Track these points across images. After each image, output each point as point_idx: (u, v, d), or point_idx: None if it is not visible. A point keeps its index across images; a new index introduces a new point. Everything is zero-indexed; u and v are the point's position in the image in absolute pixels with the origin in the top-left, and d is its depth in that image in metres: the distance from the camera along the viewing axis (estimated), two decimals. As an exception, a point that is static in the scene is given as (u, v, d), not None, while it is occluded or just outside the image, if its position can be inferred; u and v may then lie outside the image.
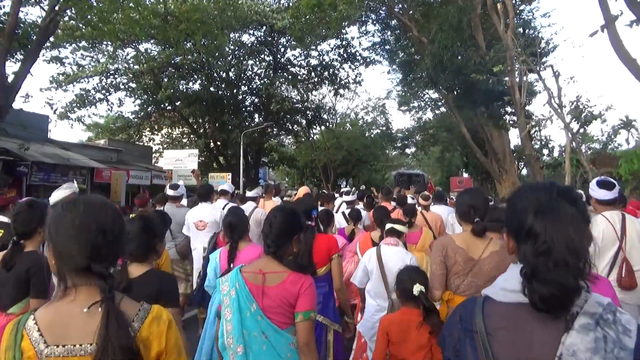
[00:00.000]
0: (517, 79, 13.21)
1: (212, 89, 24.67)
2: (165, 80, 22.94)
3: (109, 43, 19.79)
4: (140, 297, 1.34)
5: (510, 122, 15.71)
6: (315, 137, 36.94)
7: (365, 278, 3.70)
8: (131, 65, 20.75)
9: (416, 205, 6.29)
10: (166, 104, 23.03)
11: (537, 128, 13.43)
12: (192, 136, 24.92)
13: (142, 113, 24.34)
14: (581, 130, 10.82)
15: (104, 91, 21.86)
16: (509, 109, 15.48)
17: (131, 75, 21.39)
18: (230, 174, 21.05)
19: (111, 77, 21.62)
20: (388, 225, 3.82)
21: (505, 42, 12.64)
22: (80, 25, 17.30)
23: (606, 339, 1.04)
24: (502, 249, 2.63)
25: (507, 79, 13.00)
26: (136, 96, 23.00)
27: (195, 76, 24.61)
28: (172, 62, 22.95)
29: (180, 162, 18.00)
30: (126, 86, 21.97)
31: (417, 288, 2.64)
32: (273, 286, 2.10)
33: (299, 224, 2.34)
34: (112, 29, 17.06)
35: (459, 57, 13.58)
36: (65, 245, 1.21)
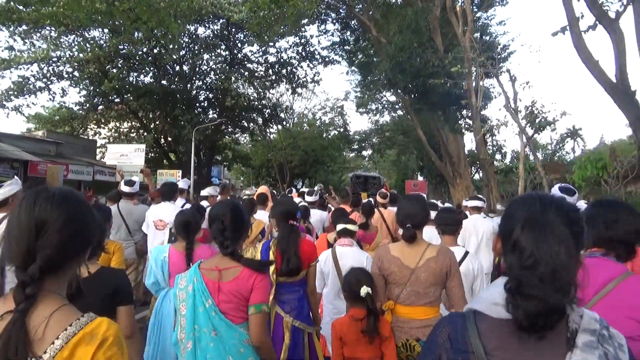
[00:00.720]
0: (474, 83, 13.24)
1: (164, 82, 23.61)
2: (114, 70, 21.74)
3: (52, 28, 18.51)
4: (96, 298, 1.31)
5: (466, 125, 15.78)
6: (271, 137, 36.39)
7: (321, 282, 3.63)
8: (75, 52, 19.38)
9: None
10: (113, 96, 21.74)
11: (491, 132, 13.47)
12: (140, 131, 23.65)
13: (88, 105, 22.87)
14: (535, 136, 10.83)
15: (45, 79, 20.32)
16: (465, 113, 15.53)
17: (75, 64, 19.97)
18: (181, 171, 20.11)
19: (53, 64, 20.12)
20: (340, 226, 3.82)
21: (464, 45, 12.60)
22: (19, 7, 16.06)
23: (607, 356, 1.03)
24: (440, 254, 2.63)
25: (464, 82, 12.97)
26: (80, 86, 21.55)
27: (147, 68, 23.49)
28: (121, 52, 21.79)
29: (125, 157, 17.01)
30: (70, 75, 20.50)
31: (364, 290, 2.62)
32: (228, 281, 2.12)
33: (247, 219, 2.39)
34: (53, 13, 15.91)
35: (418, 59, 13.45)
36: (8, 240, 1.11)
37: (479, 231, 5.51)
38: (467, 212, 6.57)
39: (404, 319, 2.64)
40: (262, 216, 5.65)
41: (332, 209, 7.65)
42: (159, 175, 20.02)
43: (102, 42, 19.68)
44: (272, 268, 3.05)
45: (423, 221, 2.76)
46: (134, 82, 22.12)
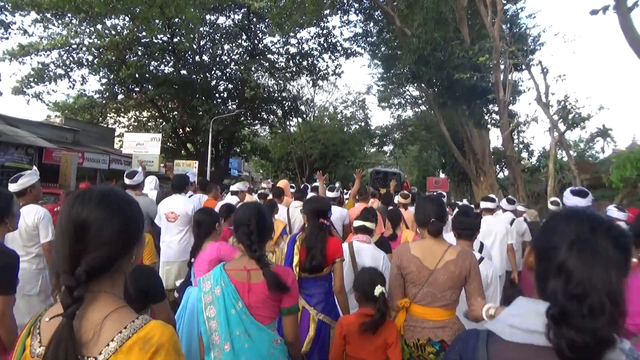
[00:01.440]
0: (502, 76, 12.51)
1: (183, 72, 23.39)
2: (133, 58, 21.61)
3: (72, 16, 18.42)
4: (127, 296, 1.19)
5: (492, 121, 15.01)
6: (291, 129, 36.00)
7: None
8: (94, 40, 19.27)
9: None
10: (132, 85, 21.60)
11: (519, 128, 12.74)
12: (159, 120, 23.50)
13: (107, 93, 22.82)
14: (567, 132, 10.09)
15: (64, 67, 20.32)
16: (491, 108, 14.78)
17: (94, 51, 19.89)
18: (197, 162, 19.89)
19: (73, 52, 20.08)
20: (357, 222, 3.77)
21: (492, 35, 11.90)
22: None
23: None
24: (459, 256, 2.59)
25: (491, 75, 12.27)
26: (100, 74, 21.47)
27: (168, 58, 23.29)
28: (141, 40, 21.64)
29: (141, 146, 16.85)
30: (89, 62, 20.44)
31: (378, 289, 2.62)
32: (259, 282, 2.14)
33: (271, 222, 2.44)
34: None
35: (442, 52, 12.77)
36: (56, 245, 1.13)
37: (491, 233, 5.40)
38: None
39: (418, 318, 2.61)
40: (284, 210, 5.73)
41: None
42: (176, 165, 19.87)
43: (120, 29, 19.47)
44: (295, 261, 3.16)
45: (444, 218, 2.75)
46: (153, 71, 21.90)
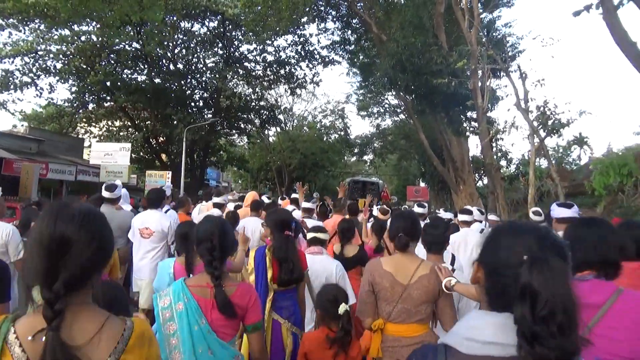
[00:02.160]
0: (480, 83, 12.30)
1: (158, 80, 22.76)
2: (103, 64, 20.89)
3: (40, 21, 17.70)
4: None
5: (470, 128, 14.78)
6: (270, 139, 35.50)
7: None
8: (62, 46, 18.53)
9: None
10: (102, 93, 20.87)
11: (498, 136, 12.52)
12: (131, 130, 22.74)
13: (77, 102, 22.01)
14: (547, 139, 9.86)
15: (31, 74, 19.49)
16: (470, 115, 14.56)
17: (62, 57, 19.13)
18: (171, 172, 19.20)
19: (40, 59, 19.29)
20: (310, 235, 3.77)
21: (470, 41, 11.69)
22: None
23: None
24: (432, 271, 2.58)
25: (469, 81, 12.03)
26: (69, 81, 20.67)
27: (141, 65, 22.64)
28: (112, 47, 21.00)
29: (110, 156, 16.15)
30: (57, 70, 19.65)
31: (342, 307, 2.63)
32: None
33: (233, 236, 2.41)
34: (35, 2, 15.07)
35: (420, 57, 12.50)
36: (30, 260, 1.15)
37: (467, 246, 5.41)
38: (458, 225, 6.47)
39: (394, 337, 2.55)
40: (256, 223, 5.56)
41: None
42: (148, 176, 19.17)
43: (89, 36, 18.79)
44: (269, 275, 3.11)
45: (415, 233, 2.72)
46: (125, 79, 21.22)
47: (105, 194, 5.39)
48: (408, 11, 13.20)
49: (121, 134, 22.66)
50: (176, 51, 23.20)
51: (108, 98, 21.12)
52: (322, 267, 3.51)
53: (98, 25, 17.65)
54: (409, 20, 13.03)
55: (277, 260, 3.12)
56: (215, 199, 6.62)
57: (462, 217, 6.20)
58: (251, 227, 5.59)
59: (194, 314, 2.06)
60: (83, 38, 19.05)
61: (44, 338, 1.07)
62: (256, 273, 3.26)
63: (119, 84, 20.85)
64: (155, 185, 17.70)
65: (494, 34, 16.02)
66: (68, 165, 16.31)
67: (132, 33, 20.99)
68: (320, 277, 3.42)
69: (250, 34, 18.11)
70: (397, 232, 2.67)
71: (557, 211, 4.03)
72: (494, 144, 14.44)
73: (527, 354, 0.95)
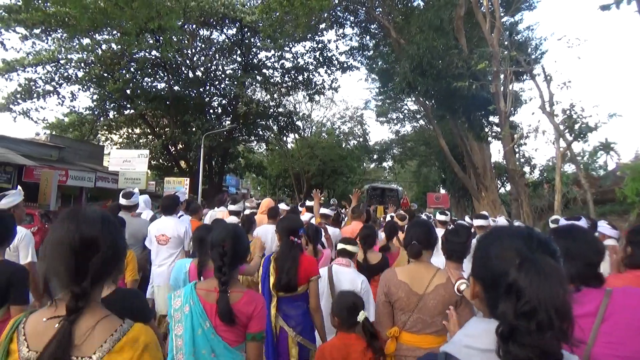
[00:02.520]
0: (502, 87, 11.93)
1: (177, 87, 22.92)
2: (125, 74, 21.17)
3: (62, 31, 18.00)
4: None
5: (492, 133, 14.34)
6: (289, 146, 35.43)
7: None
8: (82, 55, 18.79)
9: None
10: (123, 101, 21.08)
11: (522, 141, 12.07)
12: (150, 137, 22.92)
13: (98, 110, 22.29)
14: (573, 144, 9.42)
15: (53, 83, 19.82)
16: (491, 119, 14.14)
17: (82, 65, 19.39)
18: (189, 179, 19.21)
19: (61, 67, 19.59)
20: (339, 246, 3.73)
21: (491, 43, 11.35)
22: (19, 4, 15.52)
23: None
24: (449, 281, 2.52)
25: (491, 85, 11.67)
26: (91, 89, 20.95)
27: (161, 73, 22.84)
28: (133, 55, 21.25)
29: (128, 163, 16.18)
30: (78, 78, 19.94)
31: (362, 315, 2.62)
32: None
33: (247, 244, 2.38)
34: (57, 11, 15.29)
35: (440, 61, 12.19)
36: (51, 261, 1.24)
37: None
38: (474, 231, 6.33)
39: (409, 346, 2.50)
40: (271, 230, 5.32)
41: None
42: (166, 183, 19.20)
43: (108, 45, 19.00)
44: (272, 281, 3.16)
45: (429, 242, 2.67)
46: (145, 87, 21.40)
47: (122, 201, 5.34)
48: (428, 14, 12.89)
49: (140, 141, 22.86)
50: (195, 59, 23.34)
51: (128, 105, 21.31)
52: (348, 279, 3.47)
53: (118, 34, 17.85)
54: (428, 23, 12.71)
55: (277, 265, 3.17)
56: (232, 207, 6.46)
57: (477, 222, 6.22)
58: (269, 234, 5.41)
59: (198, 317, 2.08)
60: (104, 47, 19.32)
61: (57, 325, 1.18)
62: (262, 279, 3.33)
63: (138, 91, 21.04)
64: (174, 191, 17.69)
65: (516, 37, 15.59)
66: (87, 172, 16.44)
67: (150, 41, 21.27)
68: (345, 289, 3.30)
69: (268, 40, 17.98)
70: (411, 240, 2.65)
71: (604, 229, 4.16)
72: (517, 149, 13.96)
73: (502, 354, 0.96)
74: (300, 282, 3.16)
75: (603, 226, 4.60)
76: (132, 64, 21.87)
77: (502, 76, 11.70)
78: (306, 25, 16.08)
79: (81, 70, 19.38)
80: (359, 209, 6.59)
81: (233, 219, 5.91)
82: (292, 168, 34.24)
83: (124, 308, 1.95)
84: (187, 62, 23.00)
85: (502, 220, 7.73)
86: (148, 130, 22.56)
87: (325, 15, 22.18)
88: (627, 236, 2.56)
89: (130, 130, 24.36)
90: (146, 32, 18.10)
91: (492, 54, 11.13)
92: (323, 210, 6.28)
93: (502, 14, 17.27)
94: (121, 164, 16.11)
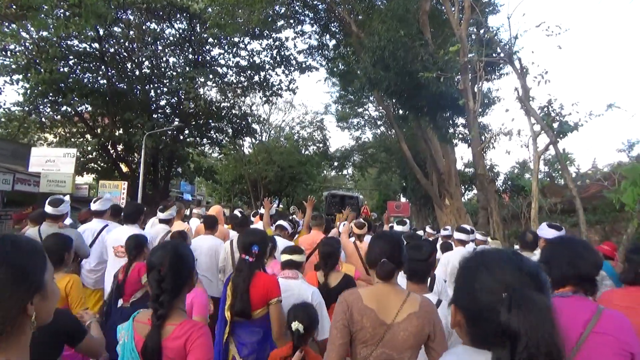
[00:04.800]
0: (471, 84, 10.88)
1: (122, 85, 20.90)
2: (65, 70, 19.10)
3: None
4: (48, 340, 1.42)
5: (460, 135, 13.29)
6: (245, 150, 33.86)
7: None
8: (7, 45, 16.57)
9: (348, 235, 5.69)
10: (56, 96, 18.85)
11: (492, 143, 11.04)
12: (87, 136, 20.68)
13: (30, 106, 19.89)
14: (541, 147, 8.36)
15: (-29, 74, 17.44)
16: (459, 121, 13.10)
17: (9, 55, 17.16)
18: (127, 183, 17.27)
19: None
20: (284, 257, 3.43)
21: (459, 36, 10.28)
22: None
23: None
24: (422, 307, 2.15)
25: (458, 80, 10.60)
26: (20, 83, 18.61)
27: (103, 68, 20.74)
28: (73, 48, 19.21)
29: (51, 163, 14.15)
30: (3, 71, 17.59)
31: (294, 325, 2.60)
32: (168, 337, 1.87)
33: (191, 266, 2.02)
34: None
35: (403, 53, 11.02)
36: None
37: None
38: (452, 243, 6.13)
39: None
40: (208, 242, 5.27)
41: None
42: (101, 187, 17.20)
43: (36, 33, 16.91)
44: (227, 303, 2.96)
45: (402, 259, 2.26)
46: (82, 82, 19.26)
47: (48, 209, 4.77)
48: (392, 3, 11.72)
49: (74, 140, 20.50)
50: (140, 53, 21.38)
51: (61, 101, 19.07)
52: (297, 293, 3.18)
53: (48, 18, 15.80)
54: (392, 13, 11.54)
55: (232, 288, 2.97)
56: (161, 215, 5.62)
57: (458, 236, 5.86)
58: (205, 247, 5.19)
59: (130, 354, 1.86)
60: (35, 36, 17.18)
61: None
62: (220, 301, 3.11)
63: (75, 86, 18.89)
64: (109, 197, 15.77)
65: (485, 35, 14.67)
66: (4, 174, 14.25)
67: (90, 34, 19.29)
68: (294, 303, 2.97)
69: (217, 30, 16.37)
70: (380, 257, 2.23)
71: (547, 232, 3.96)
72: (484, 153, 12.97)
73: None
74: (256, 306, 2.90)
75: (544, 229, 4.13)
76: (71, 57, 19.82)
77: (470, 76, 10.67)
78: (260, 15, 14.60)
79: (6, 59, 17.11)
80: (320, 217, 6.12)
81: (162, 228, 5.42)
82: (249, 174, 32.67)
83: (57, 330, 1.92)
84: (131, 56, 21.02)
85: (479, 236, 7.24)
86: (85, 128, 20.31)
87: (283, 10, 20.92)
88: (626, 253, 2.64)
89: (65, 130, 21.94)
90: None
91: (460, 49, 10.05)
92: (280, 222, 5.81)
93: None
94: (43, 164, 14.06)
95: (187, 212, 10.44)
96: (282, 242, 5.16)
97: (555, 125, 7.99)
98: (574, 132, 7.89)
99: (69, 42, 19.36)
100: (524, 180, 19.69)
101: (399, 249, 2.29)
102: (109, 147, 20.42)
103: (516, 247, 5.64)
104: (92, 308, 4.64)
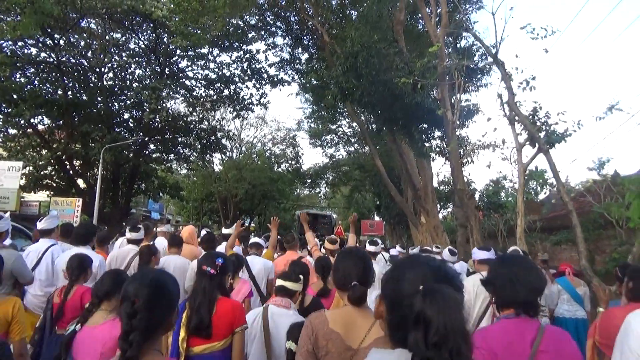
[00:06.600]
0: (452, 99, 10.29)
1: (82, 95, 19.67)
2: (22, 80, 17.91)
3: None
4: None
5: (437, 149, 12.65)
6: (215, 167, 32.73)
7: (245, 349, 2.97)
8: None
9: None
10: (7, 107, 17.51)
11: (472, 157, 10.42)
12: (38, 149, 19.23)
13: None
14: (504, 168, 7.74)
15: None
16: (435, 134, 12.47)
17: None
18: (81, 200, 15.99)
19: None
20: (278, 282, 3.16)
21: (437, 41, 9.69)
22: None
23: None
24: None
25: (436, 90, 9.99)
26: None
27: (66, 80, 19.51)
28: (30, 58, 18.04)
29: (-7, 178, 12.83)
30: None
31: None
32: None
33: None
34: None
35: (379, 59, 10.36)
36: None
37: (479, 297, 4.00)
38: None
39: None
40: (175, 261, 5.14)
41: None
42: (53, 204, 15.87)
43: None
44: (182, 335, 2.61)
45: (369, 280, 2.20)
46: (34, 90, 17.98)
47: None
48: (364, 10, 11.12)
49: (28, 154, 19.01)
50: (104, 65, 20.24)
51: (11, 112, 17.72)
52: (287, 324, 2.67)
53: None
54: (365, 19, 10.92)
55: (190, 305, 2.67)
56: (130, 235, 5.43)
57: (447, 257, 6.26)
58: (172, 266, 5.01)
59: None
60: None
61: None
62: (174, 332, 2.66)
63: (28, 96, 17.60)
64: (62, 214, 14.51)
65: (463, 42, 14.27)
66: (-62, 189, 12.85)
67: (48, 42, 18.16)
68: (282, 335, 2.68)
69: (179, 36, 15.46)
70: (350, 280, 2.12)
71: (477, 254, 4.24)
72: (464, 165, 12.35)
73: None
74: (220, 331, 2.61)
75: (476, 252, 4.37)
76: (28, 66, 18.60)
77: (448, 86, 10.08)
78: (224, 21, 13.81)
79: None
80: (293, 237, 5.95)
81: (130, 249, 5.25)
82: (219, 191, 31.48)
83: None
84: (93, 67, 19.86)
85: (445, 253, 7.14)
86: (39, 141, 18.88)
87: (253, 22, 20.27)
88: (630, 273, 2.82)
89: (17, 144, 20.40)
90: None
91: (438, 54, 9.45)
92: (255, 240, 5.65)
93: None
94: (-16, 179, 12.75)
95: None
96: (258, 261, 5.04)
97: (542, 135, 7.38)
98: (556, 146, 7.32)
99: (26, 51, 18.28)
100: (501, 199, 19.28)
101: (369, 268, 2.21)
102: (65, 161, 19.03)
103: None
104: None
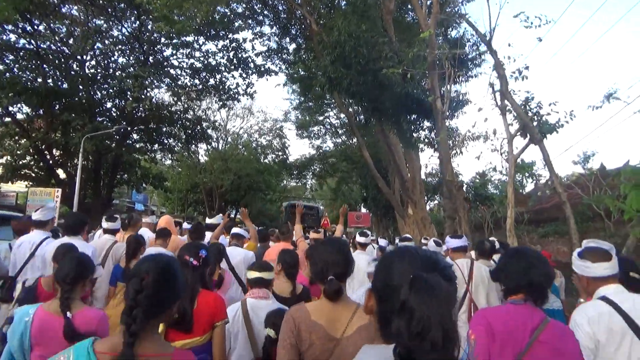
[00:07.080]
0: (442, 89, 10.13)
1: (62, 83, 19.15)
2: (1, 67, 17.33)
3: None
4: None
5: (426, 139, 12.52)
6: (200, 158, 32.29)
7: (227, 345, 2.81)
8: None
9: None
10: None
11: (461, 148, 10.31)
12: (17, 138, 18.68)
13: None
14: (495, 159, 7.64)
15: None
16: (424, 125, 12.32)
17: None
18: (60, 190, 15.55)
19: None
20: (252, 274, 3.08)
21: (427, 29, 9.51)
22: None
23: None
24: (372, 322, 1.67)
25: (426, 80, 9.82)
26: None
27: (47, 68, 18.96)
28: (7, 44, 17.49)
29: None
30: None
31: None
32: None
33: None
34: None
35: (368, 48, 10.14)
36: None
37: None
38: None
39: None
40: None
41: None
42: (31, 194, 15.42)
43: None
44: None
45: (348, 272, 2.14)
46: (13, 77, 17.41)
47: None
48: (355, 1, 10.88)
49: (5, 142, 18.43)
50: (86, 52, 19.69)
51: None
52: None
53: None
54: (353, 8, 10.69)
55: None
56: (106, 224, 5.25)
57: (432, 248, 5.91)
58: None
59: None
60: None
61: None
62: None
63: (6, 83, 17.05)
64: (42, 205, 14.11)
65: (454, 32, 14.07)
66: None
67: (27, 28, 17.59)
68: (264, 327, 2.67)
69: (162, 20, 15.03)
70: (327, 274, 2.06)
71: (451, 242, 4.31)
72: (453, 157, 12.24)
73: None
74: (201, 326, 2.51)
75: (449, 240, 4.43)
76: (7, 53, 18.00)
77: (440, 76, 9.92)
78: (209, 6, 13.43)
79: None
80: (287, 229, 5.86)
81: (107, 238, 5.14)
82: (204, 182, 31.08)
83: None
84: (74, 54, 19.29)
85: (431, 244, 7.09)
86: (17, 129, 18.32)
87: (240, 10, 19.85)
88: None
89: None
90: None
91: (428, 42, 9.28)
92: (236, 230, 5.66)
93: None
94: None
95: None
96: (239, 252, 4.94)
97: (535, 124, 7.27)
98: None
99: (4, 37, 17.70)
100: (488, 191, 19.29)
101: (347, 260, 2.14)
102: (45, 151, 18.52)
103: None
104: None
